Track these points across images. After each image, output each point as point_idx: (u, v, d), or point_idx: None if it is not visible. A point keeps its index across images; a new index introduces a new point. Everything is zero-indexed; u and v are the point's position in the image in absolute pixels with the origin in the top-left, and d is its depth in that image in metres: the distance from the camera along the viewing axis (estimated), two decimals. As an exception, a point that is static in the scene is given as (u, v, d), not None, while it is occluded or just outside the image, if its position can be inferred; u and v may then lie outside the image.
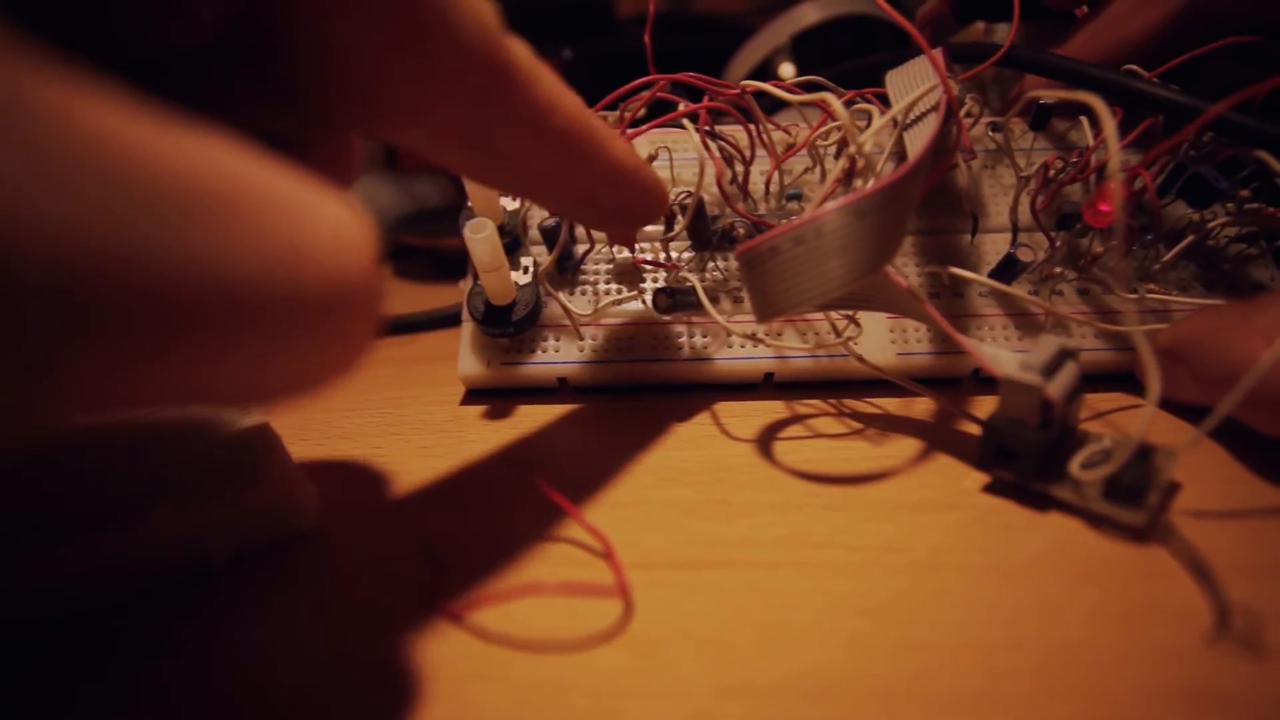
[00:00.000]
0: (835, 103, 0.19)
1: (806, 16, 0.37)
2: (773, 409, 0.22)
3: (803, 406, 0.22)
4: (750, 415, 0.22)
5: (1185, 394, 0.19)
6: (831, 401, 0.23)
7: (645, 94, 0.24)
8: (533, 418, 0.23)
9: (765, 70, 0.38)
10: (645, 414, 0.23)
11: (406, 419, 0.23)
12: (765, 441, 0.21)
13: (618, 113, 0.25)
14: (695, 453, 0.20)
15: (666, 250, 0.24)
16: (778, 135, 0.25)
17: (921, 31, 0.21)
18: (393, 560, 0.17)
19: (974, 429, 0.19)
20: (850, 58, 0.34)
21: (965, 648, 0.14)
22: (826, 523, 0.17)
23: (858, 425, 0.21)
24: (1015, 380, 0.17)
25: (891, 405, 0.22)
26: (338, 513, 0.18)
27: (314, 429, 0.23)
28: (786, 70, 0.38)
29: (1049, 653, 0.13)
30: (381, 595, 0.16)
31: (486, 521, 0.18)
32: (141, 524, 0.16)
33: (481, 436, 0.22)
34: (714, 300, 0.24)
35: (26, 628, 0.15)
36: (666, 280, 0.24)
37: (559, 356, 0.23)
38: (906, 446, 0.20)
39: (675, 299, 0.23)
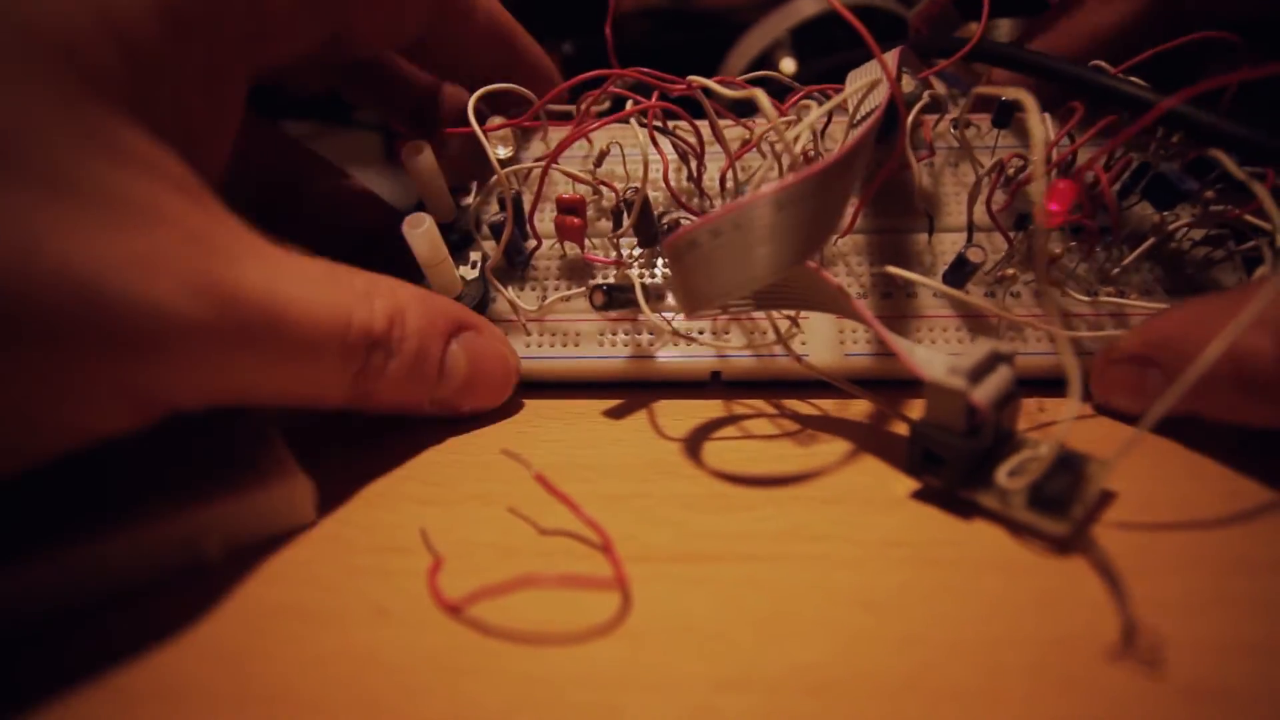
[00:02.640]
0: (763, 99, 0.18)
1: (804, 9, 0.37)
2: (771, 404, 0.22)
3: (802, 404, 0.22)
4: (749, 411, 0.22)
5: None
6: (829, 398, 0.22)
7: (596, 91, 0.24)
8: (533, 411, 0.23)
9: (765, 64, 0.38)
10: (644, 407, 0.22)
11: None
12: (766, 435, 0.21)
13: (576, 105, 0.25)
14: (694, 446, 0.20)
15: (616, 247, 0.24)
16: (737, 131, 0.24)
17: (919, 29, 0.21)
18: (389, 554, 0.17)
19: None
20: (850, 49, 0.33)
21: (966, 642, 0.14)
22: (826, 516, 0.17)
23: (857, 420, 0.21)
24: (938, 385, 0.16)
25: (885, 401, 0.22)
26: (334, 508, 0.18)
27: (311, 426, 0.22)
28: (787, 65, 0.38)
29: (1049, 647, 0.13)
30: (378, 589, 0.16)
31: (484, 514, 0.18)
32: (140, 521, 0.16)
33: (479, 429, 0.22)
34: (660, 297, 0.24)
35: (24, 627, 0.15)
36: (614, 277, 0.24)
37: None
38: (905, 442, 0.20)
39: (612, 296, 0.22)
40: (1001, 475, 0.16)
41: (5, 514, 0.16)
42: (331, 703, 0.13)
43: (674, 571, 0.16)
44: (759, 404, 0.22)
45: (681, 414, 0.22)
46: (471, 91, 0.23)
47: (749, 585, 0.15)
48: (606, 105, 0.25)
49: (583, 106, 0.24)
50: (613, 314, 0.23)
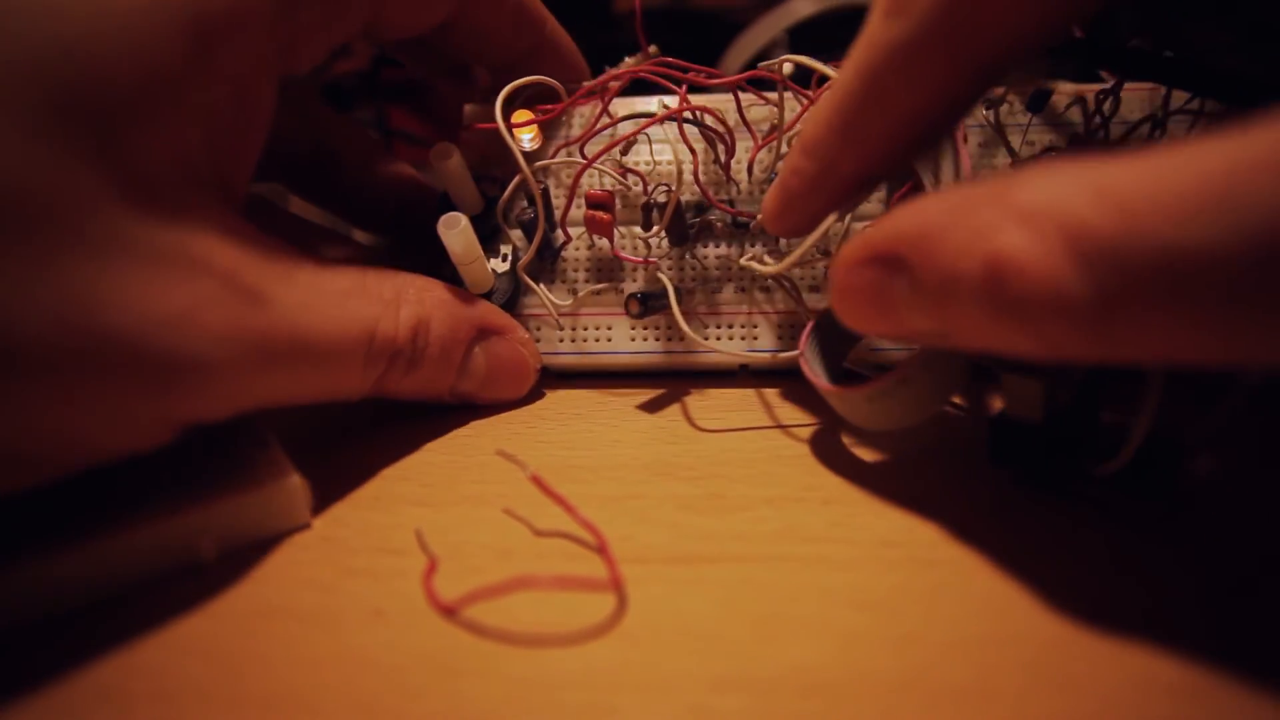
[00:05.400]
0: None
1: (801, 9, 0.37)
2: (769, 402, 0.22)
3: (799, 400, 0.22)
4: (746, 409, 0.22)
5: (915, 322, 0.14)
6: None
7: (622, 71, 0.24)
8: (529, 411, 0.23)
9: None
10: (642, 408, 0.22)
11: (401, 413, 0.23)
12: (760, 435, 0.21)
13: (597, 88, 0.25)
14: (691, 447, 0.20)
15: (648, 245, 0.24)
16: (764, 112, 0.25)
17: None
18: (385, 556, 0.17)
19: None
20: (847, 49, 0.33)
21: (961, 642, 0.14)
22: (822, 517, 0.17)
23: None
24: (1013, 377, 0.16)
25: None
26: (330, 508, 0.18)
27: (307, 425, 0.22)
28: (788, 68, 0.38)
29: (1043, 647, 0.13)
30: (373, 591, 0.16)
31: (479, 516, 0.18)
32: (136, 523, 0.16)
33: (475, 430, 0.22)
34: (690, 293, 0.24)
35: (18, 627, 0.15)
36: (643, 277, 0.24)
37: (540, 346, 0.24)
38: (903, 440, 0.20)
39: (647, 305, 0.22)
40: (1087, 458, 0.16)
41: (2, 516, 0.16)
42: (326, 704, 0.13)
43: (670, 573, 0.16)
44: (758, 405, 0.22)
45: (679, 415, 0.22)
46: (496, 74, 0.23)
47: (745, 586, 0.15)
48: (635, 62, 0.25)
49: (607, 85, 0.24)
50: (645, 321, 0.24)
